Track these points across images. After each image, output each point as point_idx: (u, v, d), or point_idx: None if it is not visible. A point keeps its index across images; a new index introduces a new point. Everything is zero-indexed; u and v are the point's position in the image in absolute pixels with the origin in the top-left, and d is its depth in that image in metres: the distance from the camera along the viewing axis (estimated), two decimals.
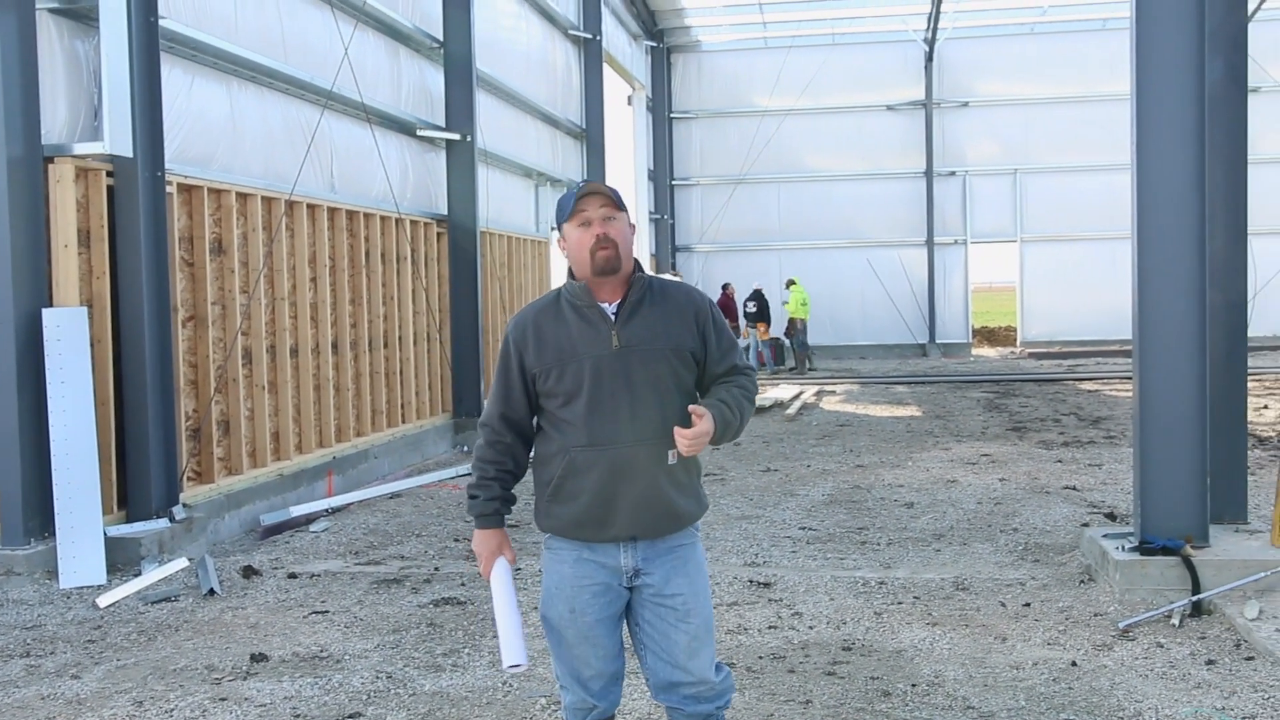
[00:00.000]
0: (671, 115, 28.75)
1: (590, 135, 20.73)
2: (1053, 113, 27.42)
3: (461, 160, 13.77)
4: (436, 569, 7.43)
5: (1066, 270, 27.43)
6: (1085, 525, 8.06)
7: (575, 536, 3.44)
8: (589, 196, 3.36)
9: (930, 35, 27.30)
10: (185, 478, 8.49)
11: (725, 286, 25.49)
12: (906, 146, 28.02)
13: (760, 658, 5.45)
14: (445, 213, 13.77)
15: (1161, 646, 5.48)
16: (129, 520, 7.86)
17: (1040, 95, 27.50)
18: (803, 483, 10.45)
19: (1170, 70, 6.38)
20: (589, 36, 20.53)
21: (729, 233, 28.57)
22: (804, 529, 8.43)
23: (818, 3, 26.42)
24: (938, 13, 26.34)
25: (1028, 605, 6.25)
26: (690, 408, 3.31)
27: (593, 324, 3.37)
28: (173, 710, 4.93)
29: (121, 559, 7.47)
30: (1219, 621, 5.81)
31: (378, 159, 11.75)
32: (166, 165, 8.14)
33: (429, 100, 13.59)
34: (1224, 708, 4.69)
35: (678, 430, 3.26)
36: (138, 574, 7.26)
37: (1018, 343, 29.01)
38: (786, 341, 25.30)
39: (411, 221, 12.74)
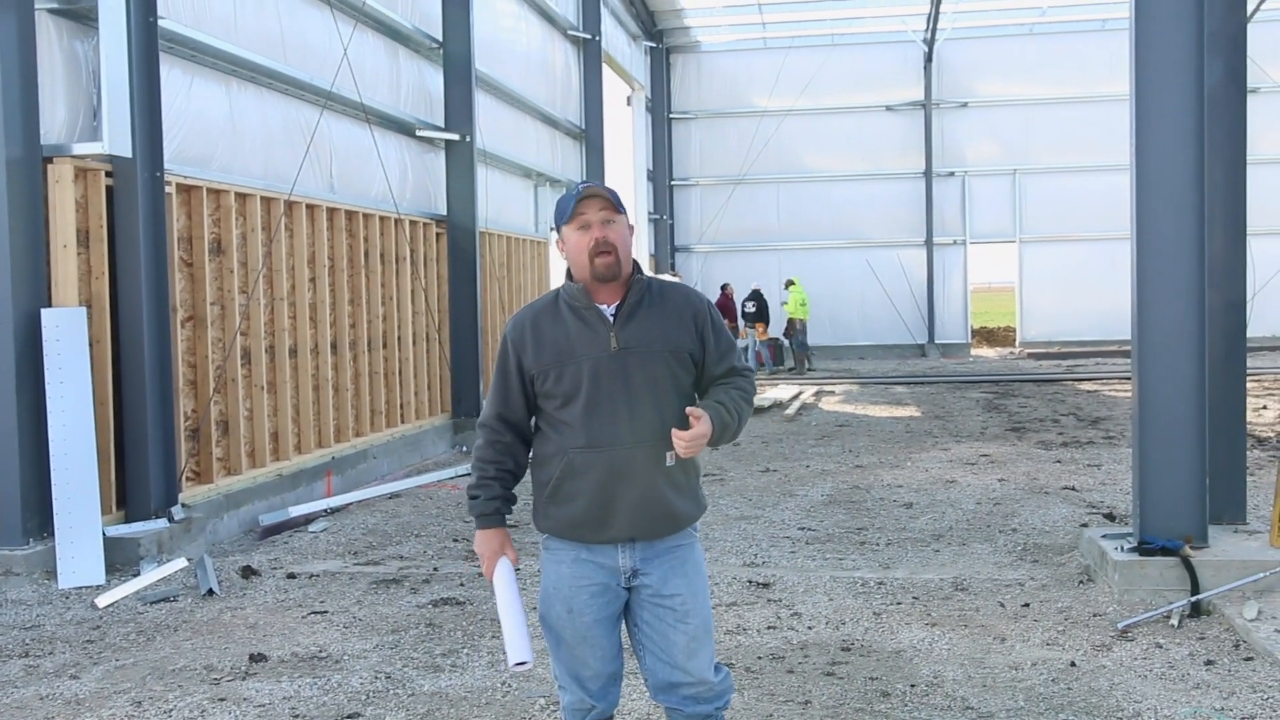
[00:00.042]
0: (671, 116, 28.75)
1: (589, 136, 20.73)
2: (1052, 113, 27.43)
3: (461, 160, 13.77)
4: (435, 569, 7.43)
5: (1066, 271, 27.43)
6: (1084, 525, 8.07)
7: (573, 537, 3.44)
8: (588, 199, 3.35)
9: (929, 36, 27.31)
10: (184, 478, 8.49)
11: (724, 287, 25.49)
12: (906, 147, 28.03)
13: (759, 658, 5.45)
14: (444, 213, 13.77)
15: (1160, 647, 5.48)
16: (128, 520, 7.86)
17: (1040, 96, 27.51)
18: (802, 483, 10.46)
19: (1170, 71, 6.39)
20: (588, 37, 20.53)
21: (728, 233, 28.58)
22: (803, 529, 8.43)
23: (817, 3, 26.43)
24: (937, 13, 26.35)
25: (1027, 606, 6.25)
26: (688, 410, 3.31)
27: (591, 326, 3.37)
28: (171, 710, 4.93)
29: (120, 559, 7.46)
30: (1218, 622, 5.82)
31: (377, 159, 11.75)
32: (165, 165, 8.14)
33: (428, 100, 13.59)
34: (1223, 708, 4.69)
35: (675, 432, 3.26)
36: (136, 574, 7.25)
37: (1017, 343, 29.02)
38: (785, 342, 25.31)
39: (411, 222, 12.74)
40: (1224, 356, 7.07)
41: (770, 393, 18.54)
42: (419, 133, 13.11)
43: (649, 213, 27.14)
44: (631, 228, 3.47)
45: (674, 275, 25.74)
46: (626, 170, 25.47)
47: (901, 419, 15.41)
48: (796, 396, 18.40)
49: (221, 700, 5.03)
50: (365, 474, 11.17)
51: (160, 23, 8.05)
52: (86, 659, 5.70)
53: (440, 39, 13.58)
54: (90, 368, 7.43)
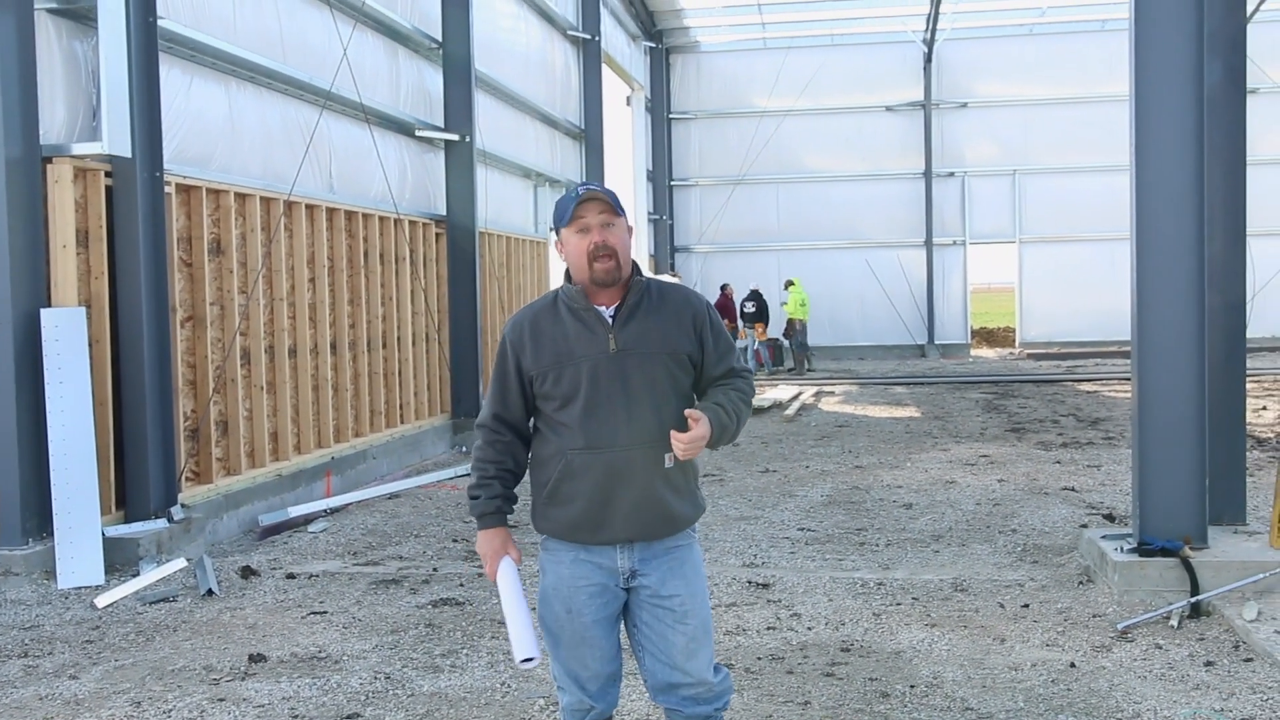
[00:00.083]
0: (670, 116, 28.75)
1: (589, 136, 20.73)
2: (1052, 114, 27.43)
3: (460, 161, 13.77)
4: (435, 570, 7.42)
5: (1065, 271, 27.44)
6: (1084, 526, 8.07)
7: (571, 539, 3.44)
8: (588, 202, 3.35)
9: (929, 36, 27.31)
10: (183, 478, 8.49)
11: (724, 287, 25.48)
12: (905, 147, 28.03)
13: (759, 659, 5.45)
14: (444, 213, 13.77)
15: (1160, 648, 5.48)
16: (127, 520, 7.86)
17: (1039, 96, 27.52)
18: (801, 484, 10.45)
19: (1169, 71, 6.39)
20: (588, 37, 20.53)
21: (728, 233, 28.57)
22: (803, 530, 8.43)
23: (816, 3, 26.42)
24: (936, 13, 26.35)
25: (1026, 606, 6.25)
26: (687, 412, 3.30)
27: (590, 327, 3.37)
28: (171, 711, 4.92)
29: (120, 559, 7.46)
30: (1218, 623, 5.81)
31: (376, 159, 11.74)
32: (165, 165, 8.13)
33: (428, 101, 13.58)
34: (1222, 709, 4.69)
35: (674, 434, 3.26)
36: (136, 574, 7.25)
37: (1016, 344, 29.02)
38: (785, 342, 25.30)
39: (410, 222, 12.74)
40: (1224, 357, 7.07)
41: (770, 393, 18.54)
42: (418, 133, 13.11)
43: (648, 213, 27.14)
44: (630, 229, 3.47)
45: (674, 276, 25.73)
46: (626, 170, 25.47)
47: (901, 419, 15.41)
48: (796, 397, 18.40)
49: (221, 700, 5.03)
50: (365, 474, 11.17)
51: (160, 23, 8.05)
52: (86, 659, 5.69)
53: (440, 39, 13.58)
54: (90, 368, 7.43)
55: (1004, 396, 18.02)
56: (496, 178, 15.86)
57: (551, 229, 3.47)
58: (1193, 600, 5.95)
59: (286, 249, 10.08)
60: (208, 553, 7.99)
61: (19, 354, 7.11)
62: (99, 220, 7.78)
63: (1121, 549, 6.51)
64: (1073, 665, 5.27)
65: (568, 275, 3.45)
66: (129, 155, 7.74)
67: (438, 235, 13.63)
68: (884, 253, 28.08)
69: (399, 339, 12.47)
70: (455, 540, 8.37)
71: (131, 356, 7.90)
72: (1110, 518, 8.33)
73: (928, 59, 27.70)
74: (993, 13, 27.36)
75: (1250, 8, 7.34)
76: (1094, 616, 6.01)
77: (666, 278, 23.49)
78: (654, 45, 27.67)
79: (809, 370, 24.46)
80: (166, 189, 8.20)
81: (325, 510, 9.50)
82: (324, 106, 10.65)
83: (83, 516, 7.20)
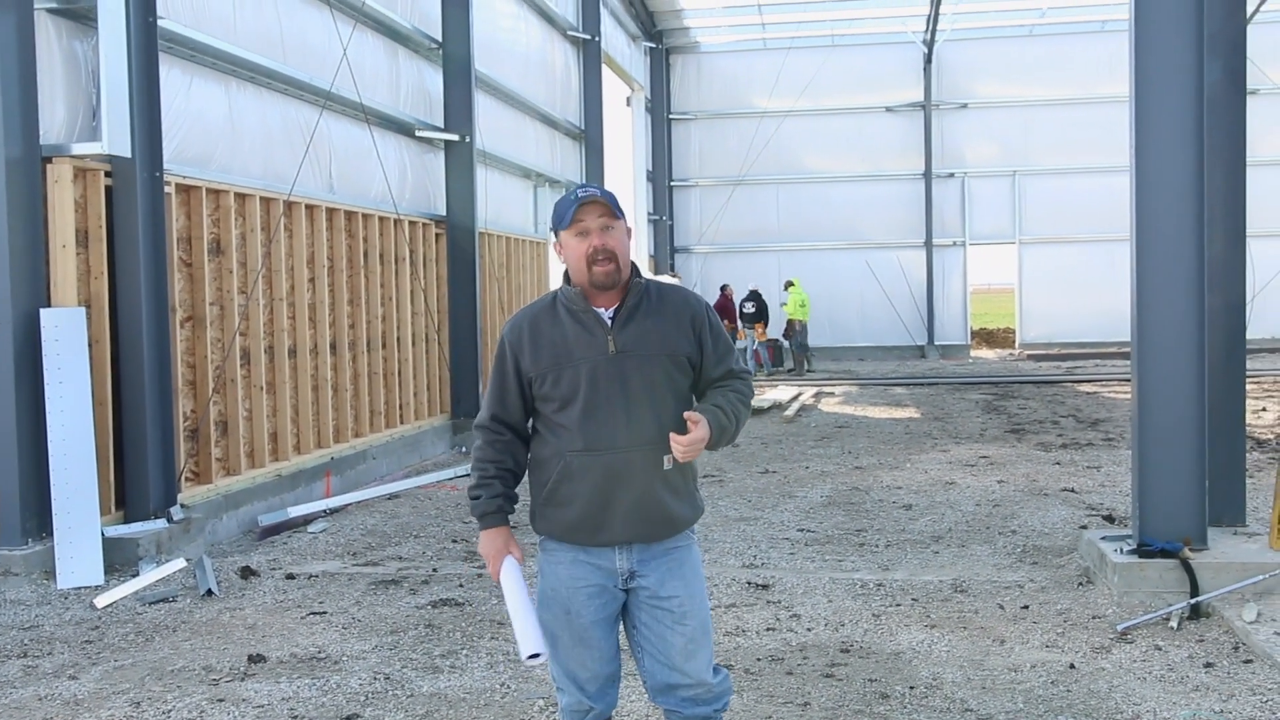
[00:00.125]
0: (670, 116, 28.75)
1: (589, 136, 20.73)
2: (1051, 115, 27.44)
3: (460, 161, 13.77)
4: (434, 570, 7.42)
5: (1065, 272, 27.44)
6: (1084, 527, 8.07)
7: (570, 540, 3.44)
8: (587, 205, 3.34)
9: (929, 37, 27.32)
10: (183, 478, 8.48)
11: (724, 288, 25.48)
12: (905, 148, 28.04)
13: (758, 659, 5.45)
14: (444, 213, 13.77)
15: (1160, 649, 5.48)
16: (127, 521, 7.86)
17: (1039, 97, 27.53)
18: (801, 484, 10.45)
19: (1169, 72, 6.39)
20: (588, 37, 20.53)
21: (728, 234, 28.57)
22: (802, 531, 8.43)
23: (817, 4, 26.41)
24: (936, 14, 26.35)
25: (1026, 607, 6.25)
26: (686, 414, 3.30)
27: (589, 329, 3.37)
28: (170, 711, 4.92)
29: (119, 559, 7.46)
30: (1217, 624, 5.81)
31: (376, 159, 11.74)
32: (165, 165, 8.13)
33: (428, 101, 13.58)
34: (1222, 711, 4.69)
35: (674, 437, 3.27)
36: (135, 574, 7.25)
37: (1016, 344, 29.02)
38: (785, 343, 25.30)
39: (410, 222, 12.74)
40: (1223, 358, 7.07)
41: (769, 394, 18.54)
42: (418, 133, 13.11)
43: (648, 213, 27.14)
44: (629, 230, 3.47)
45: (674, 276, 25.73)
46: (626, 171, 25.47)
47: (901, 420, 15.41)
48: (796, 398, 18.40)
49: (220, 701, 5.03)
50: (364, 474, 11.17)
51: (160, 23, 8.06)
52: (85, 659, 5.69)
53: (440, 39, 13.58)
54: (89, 368, 7.43)
55: (1004, 397, 18.02)
56: (496, 178, 15.86)
57: (552, 229, 3.47)
58: (1192, 602, 5.95)
59: (286, 249, 10.08)
60: (207, 553, 7.99)
61: (19, 354, 7.11)
62: (99, 220, 7.78)
63: (1121, 550, 6.51)
64: (1072, 666, 5.27)
65: (566, 277, 3.44)
66: (129, 155, 7.74)
67: (437, 235, 13.63)
68: (884, 253, 28.09)
69: (399, 339, 12.47)
70: (455, 541, 8.36)
71: (131, 356, 7.90)
72: (1110, 519, 8.33)
73: (928, 60, 27.70)
74: (993, 13, 27.37)
75: (1250, 9, 7.33)
76: (1093, 618, 6.01)
77: (666, 278, 23.47)
78: (654, 46, 27.68)
79: (809, 371, 24.46)
80: (166, 189, 8.20)
81: (325, 510, 9.50)
82: (324, 107, 10.65)
83: (82, 516, 7.20)
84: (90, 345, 7.56)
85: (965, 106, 27.97)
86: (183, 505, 8.21)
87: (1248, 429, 7.95)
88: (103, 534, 7.34)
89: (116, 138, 7.56)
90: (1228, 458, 7.07)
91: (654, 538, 3.42)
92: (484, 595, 6.71)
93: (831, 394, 19.56)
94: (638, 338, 3.37)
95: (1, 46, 7.00)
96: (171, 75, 8.53)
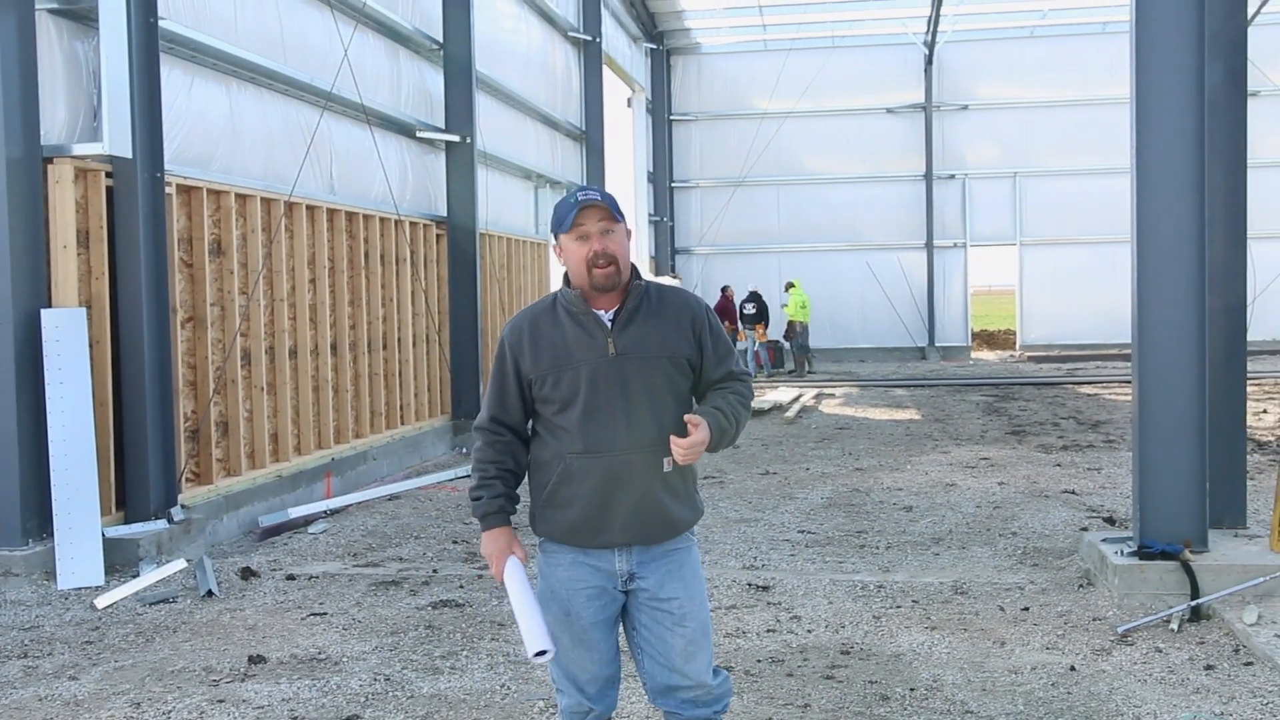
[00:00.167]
0: (671, 117, 28.76)
1: (590, 137, 20.73)
2: (1052, 116, 27.45)
3: (461, 162, 13.77)
4: (435, 571, 7.42)
5: (1066, 274, 27.45)
6: (1084, 529, 8.07)
7: (570, 542, 3.44)
8: (587, 209, 3.34)
9: (930, 38, 27.32)
10: (184, 479, 8.48)
11: (725, 289, 25.48)
12: (906, 149, 28.04)
13: (758, 661, 5.45)
14: (445, 214, 13.77)
15: (1160, 651, 5.48)
16: (127, 521, 7.86)
17: (1040, 98, 27.53)
18: (801, 486, 10.45)
19: (1170, 74, 6.39)
20: (589, 38, 20.53)
21: (728, 235, 28.58)
22: (803, 532, 8.43)
23: (817, 5, 26.43)
24: (937, 15, 26.36)
25: (1026, 609, 6.24)
26: (686, 417, 3.30)
27: (589, 331, 3.37)
28: (170, 712, 4.92)
29: (119, 560, 7.46)
30: (1218, 626, 5.81)
31: (377, 160, 11.75)
32: (166, 166, 8.14)
33: (429, 102, 13.59)
34: (1222, 713, 4.69)
35: (674, 440, 3.27)
36: (136, 575, 7.25)
37: (1017, 346, 29.02)
38: (785, 344, 25.29)
39: (411, 223, 12.74)
40: (1224, 360, 7.06)
41: (770, 395, 18.54)
42: (419, 134, 13.11)
43: (649, 214, 27.15)
44: (629, 232, 3.46)
45: (674, 278, 25.73)
46: (627, 172, 25.47)
47: (901, 422, 15.41)
48: (796, 399, 18.39)
49: (220, 702, 5.02)
50: (365, 475, 11.17)
51: (160, 23, 8.06)
52: (85, 660, 5.69)
53: (441, 40, 13.59)
54: (90, 368, 7.43)
55: (1004, 399, 18.02)
56: (497, 179, 15.86)
57: (551, 233, 3.47)
58: (1193, 604, 5.95)
59: (287, 250, 10.09)
60: (208, 554, 7.99)
61: (19, 354, 7.11)
62: (100, 221, 7.78)
63: (1122, 552, 6.51)
64: (1073, 668, 5.27)
65: (566, 278, 3.44)
66: (130, 156, 7.74)
67: (438, 236, 13.63)
68: (884, 255, 28.10)
69: (399, 340, 12.47)
70: (455, 542, 8.36)
71: (132, 357, 7.90)
72: (1110, 521, 8.33)
73: (928, 61, 27.70)
74: (994, 15, 27.38)
75: (1251, 10, 7.33)
76: (1094, 620, 6.01)
77: (667, 279, 23.41)
78: (655, 47, 27.68)
79: (809, 372, 24.46)
80: (167, 189, 8.21)
81: (325, 511, 9.50)
82: (325, 107, 10.65)
83: (83, 517, 7.20)
84: (91, 346, 7.56)
85: (966, 108, 27.97)
86: (183, 506, 8.21)
87: (1248, 431, 7.95)
88: (103, 534, 7.34)
89: (117, 138, 7.57)
90: (1228, 460, 7.07)
91: (654, 540, 3.42)
92: (484, 597, 6.71)
93: (832, 395, 19.56)
94: (638, 340, 3.37)
95: (2, 47, 7.00)
96: (172, 76, 8.54)
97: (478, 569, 7.39)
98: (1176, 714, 4.69)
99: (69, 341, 7.25)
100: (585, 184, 20.35)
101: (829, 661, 5.43)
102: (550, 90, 18.84)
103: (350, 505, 9.85)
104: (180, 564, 7.51)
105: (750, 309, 24.63)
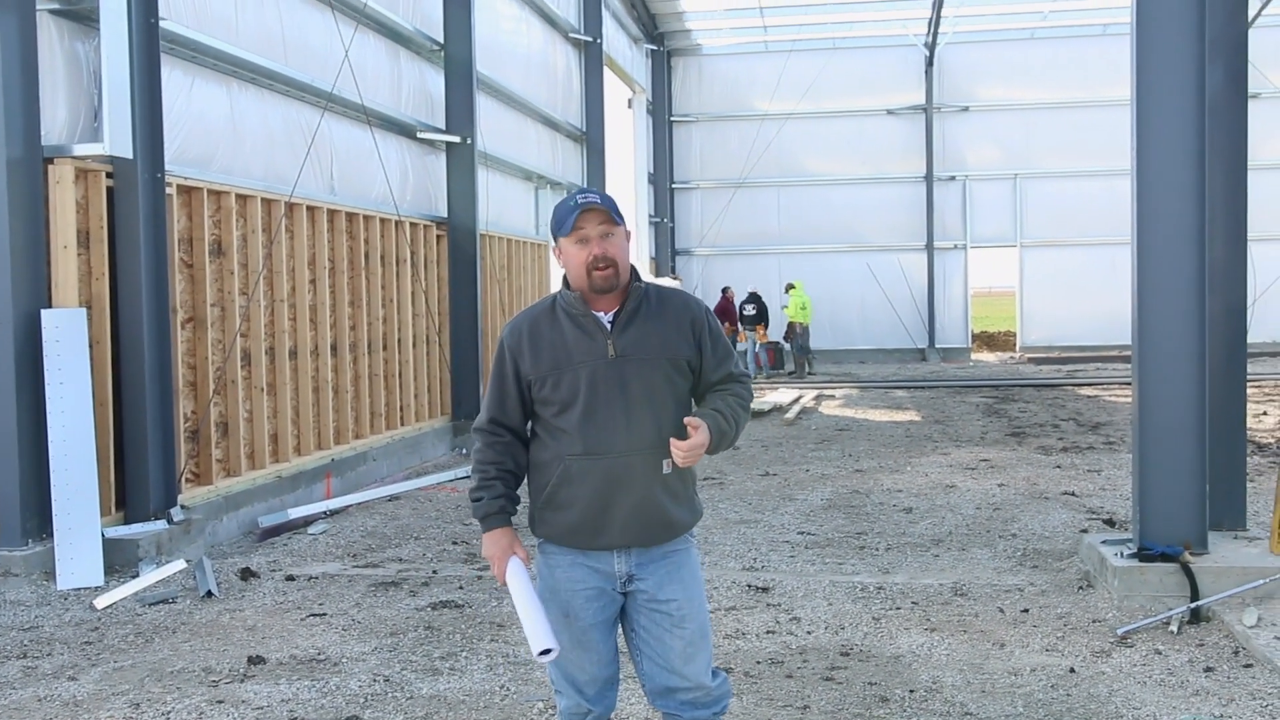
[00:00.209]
0: (671, 118, 28.76)
1: (590, 138, 20.74)
2: (1053, 118, 27.45)
3: (461, 163, 13.77)
4: (434, 572, 7.42)
5: (1066, 275, 27.44)
6: (1084, 531, 8.06)
7: (569, 543, 3.44)
8: (587, 213, 3.33)
9: (931, 40, 27.33)
10: (183, 479, 8.48)
11: (725, 290, 25.48)
12: (907, 151, 28.05)
13: (758, 663, 5.45)
14: (445, 215, 13.77)
15: (1160, 653, 5.48)
16: (127, 522, 7.86)
17: (1041, 100, 27.53)
18: (801, 487, 10.45)
19: (1171, 76, 6.39)
20: (589, 39, 20.54)
21: (729, 236, 28.58)
22: (802, 534, 8.43)
23: (818, 7, 26.43)
24: (938, 17, 26.37)
25: (1026, 611, 6.24)
26: (686, 419, 3.30)
27: (589, 333, 3.37)
28: (169, 712, 4.92)
29: (119, 560, 7.46)
30: (1217, 628, 5.81)
31: (378, 161, 11.75)
32: (166, 166, 8.14)
33: (429, 102, 13.59)
34: (1222, 715, 4.69)
35: (674, 442, 3.27)
36: (135, 575, 7.25)
37: (1017, 348, 29.01)
38: (785, 345, 25.29)
39: (411, 224, 12.74)
40: (1224, 362, 7.06)
41: (770, 396, 18.53)
42: (420, 135, 13.11)
43: (649, 215, 27.15)
44: (629, 234, 3.46)
45: (674, 279, 25.73)
46: (627, 173, 25.47)
47: (901, 423, 15.41)
48: (796, 400, 18.39)
49: (220, 702, 5.02)
50: (365, 476, 11.17)
51: (161, 24, 8.06)
52: (85, 660, 5.69)
53: (441, 41, 13.59)
54: (90, 369, 7.43)
55: (1004, 401, 18.01)
56: (498, 180, 15.86)
57: (551, 235, 3.46)
58: (1192, 606, 5.95)
59: (287, 250, 10.09)
60: (207, 554, 7.99)
61: (19, 354, 7.11)
62: (100, 221, 7.78)
63: (1121, 554, 6.51)
64: (1072, 670, 5.26)
65: (566, 280, 3.44)
66: (130, 156, 7.74)
67: (439, 237, 13.63)
68: (885, 256, 28.10)
69: (399, 341, 12.47)
70: (455, 543, 8.36)
71: (132, 357, 7.91)
72: (1110, 523, 8.33)
73: (929, 62, 27.71)
74: (994, 16, 27.38)
75: (1252, 12, 7.33)
76: (1094, 621, 6.01)
77: (667, 281, 23.42)
78: (655, 48, 27.69)
79: (809, 373, 24.46)
80: (168, 190, 8.21)
81: (325, 512, 9.50)
82: (325, 108, 10.66)
83: (82, 517, 7.20)
84: (91, 346, 7.56)
85: (967, 109, 27.98)
86: (183, 506, 8.21)
87: (1248, 433, 7.95)
88: (103, 535, 7.34)
89: (118, 139, 7.57)
90: (1228, 461, 7.07)
91: (653, 541, 3.42)
92: (484, 598, 6.71)
93: (832, 397, 19.55)
94: (637, 342, 3.37)
95: (3, 47, 7.00)
96: (173, 76, 8.54)
97: (477, 570, 7.39)
98: (1176, 716, 4.69)
99: (69, 342, 7.25)
100: (586, 185, 20.36)
101: (828, 663, 5.43)
102: (551, 91, 18.84)
103: (350, 506, 9.85)
104: (180, 564, 7.51)
105: (750, 310, 24.61)
